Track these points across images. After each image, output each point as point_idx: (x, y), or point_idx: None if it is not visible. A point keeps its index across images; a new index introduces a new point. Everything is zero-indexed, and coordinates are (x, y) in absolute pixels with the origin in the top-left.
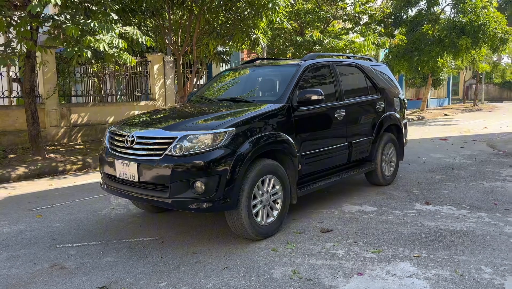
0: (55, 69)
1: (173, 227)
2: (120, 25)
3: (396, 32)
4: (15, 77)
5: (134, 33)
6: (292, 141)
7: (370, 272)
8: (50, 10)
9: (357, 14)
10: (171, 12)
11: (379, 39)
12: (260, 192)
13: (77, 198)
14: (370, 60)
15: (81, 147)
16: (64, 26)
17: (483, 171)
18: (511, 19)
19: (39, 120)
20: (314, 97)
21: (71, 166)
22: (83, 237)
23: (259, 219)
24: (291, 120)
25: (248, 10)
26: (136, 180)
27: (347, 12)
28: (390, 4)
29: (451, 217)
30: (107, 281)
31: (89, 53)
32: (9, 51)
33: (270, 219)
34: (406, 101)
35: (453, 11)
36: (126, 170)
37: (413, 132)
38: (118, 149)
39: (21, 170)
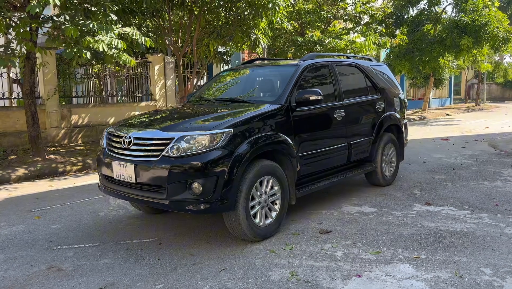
0: (55, 70)
1: (172, 229)
2: (120, 26)
3: (397, 32)
4: (16, 78)
5: (134, 33)
6: (290, 142)
7: (369, 274)
8: (50, 11)
9: (358, 14)
10: (171, 13)
11: (380, 39)
12: (258, 193)
13: (76, 199)
14: (370, 60)
15: (82, 147)
16: (63, 27)
17: (484, 171)
18: None
19: (40, 121)
20: (312, 98)
21: (71, 167)
22: (81, 238)
23: (257, 220)
24: (289, 120)
25: (248, 11)
26: (133, 181)
27: (348, 12)
28: (391, 4)
29: (452, 218)
30: (104, 283)
31: (88, 54)
32: (9, 52)
33: (269, 220)
34: (406, 101)
35: (454, 10)
36: (123, 171)
37: (414, 133)
38: (115, 150)
39: (21, 171)
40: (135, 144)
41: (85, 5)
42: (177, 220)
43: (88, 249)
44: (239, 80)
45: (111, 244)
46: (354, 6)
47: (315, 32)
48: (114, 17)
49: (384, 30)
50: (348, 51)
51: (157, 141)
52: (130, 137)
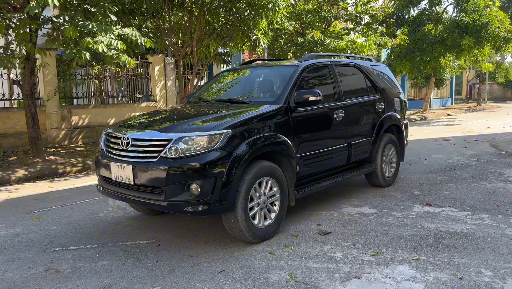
0: (55, 71)
1: (170, 230)
2: (119, 26)
3: (398, 32)
4: (16, 79)
5: (133, 34)
6: (289, 142)
7: (368, 276)
8: (50, 12)
9: (358, 14)
10: (171, 14)
11: (380, 39)
12: (257, 194)
13: (75, 200)
14: (370, 60)
15: (82, 148)
16: (62, 28)
17: (485, 171)
18: None
19: (40, 122)
20: (312, 98)
21: (71, 168)
22: (79, 240)
23: (256, 221)
24: (289, 121)
25: (248, 11)
26: (132, 182)
27: (348, 12)
28: (391, 4)
29: (452, 219)
30: (101, 285)
31: (88, 55)
32: (9, 53)
33: (268, 222)
34: (406, 101)
35: (455, 10)
36: (122, 172)
37: (415, 133)
38: (113, 151)
39: (21, 172)
40: (133, 145)
41: (85, 6)
42: (176, 221)
43: (87, 250)
44: (238, 80)
45: (110, 245)
46: (354, 6)
47: (315, 33)
48: (114, 18)
49: (384, 30)
50: (349, 51)
51: (155, 143)
52: (128, 139)
